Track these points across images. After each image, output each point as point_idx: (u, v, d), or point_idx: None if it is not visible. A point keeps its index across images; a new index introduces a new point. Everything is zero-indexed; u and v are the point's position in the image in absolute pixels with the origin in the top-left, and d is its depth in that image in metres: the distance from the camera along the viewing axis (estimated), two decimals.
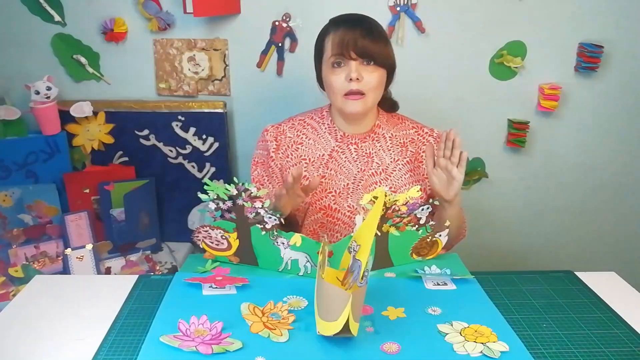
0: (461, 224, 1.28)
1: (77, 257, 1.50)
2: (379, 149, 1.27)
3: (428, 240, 1.12)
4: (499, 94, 1.78)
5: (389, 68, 1.20)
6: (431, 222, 1.10)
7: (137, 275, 1.08)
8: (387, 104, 1.30)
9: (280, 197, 1.11)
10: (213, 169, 1.81)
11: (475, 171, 1.85)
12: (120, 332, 0.89)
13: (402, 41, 1.70)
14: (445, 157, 1.16)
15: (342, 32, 1.15)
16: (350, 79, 1.15)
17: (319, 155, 1.26)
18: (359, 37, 1.13)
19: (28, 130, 1.69)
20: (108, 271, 1.58)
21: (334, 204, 1.23)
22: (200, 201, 1.04)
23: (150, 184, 1.77)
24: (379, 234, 1.07)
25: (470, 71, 1.75)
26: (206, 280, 1.01)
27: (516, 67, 1.73)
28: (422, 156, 1.28)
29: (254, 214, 1.04)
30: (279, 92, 1.77)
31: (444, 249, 1.16)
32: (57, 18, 1.69)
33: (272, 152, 1.28)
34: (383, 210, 1.04)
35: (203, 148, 1.78)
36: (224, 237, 1.08)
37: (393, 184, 1.25)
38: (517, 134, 1.78)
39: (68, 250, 1.51)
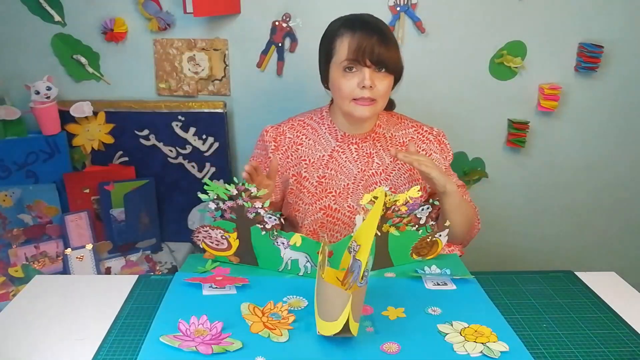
0: (472, 217, 1.25)
1: (77, 257, 1.50)
2: (379, 149, 1.26)
3: (428, 240, 1.12)
4: (499, 94, 1.78)
5: (398, 74, 1.20)
6: (431, 222, 1.10)
7: (137, 275, 1.08)
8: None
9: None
10: (213, 169, 1.81)
11: (475, 171, 1.85)
12: (120, 332, 0.89)
13: (402, 41, 1.70)
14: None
15: (359, 37, 1.13)
16: (364, 86, 1.14)
17: (319, 155, 1.26)
18: (376, 45, 1.12)
19: (28, 130, 1.69)
20: (108, 271, 1.58)
21: (334, 204, 1.23)
22: (200, 201, 1.04)
23: (150, 184, 1.77)
24: (379, 234, 1.07)
25: (470, 71, 1.75)
26: (206, 280, 1.01)
27: (516, 67, 1.73)
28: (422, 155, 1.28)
29: (254, 214, 1.04)
30: (279, 92, 1.77)
31: (460, 245, 1.15)
32: (57, 18, 1.69)
33: (270, 152, 1.27)
34: (383, 210, 1.04)
35: (203, 148, 1.78)
36: (224, 237, 1.08)
37: (393, 184, 1.25)
38: (517, 134, 1.78)
39: (68, 250, 1.51)
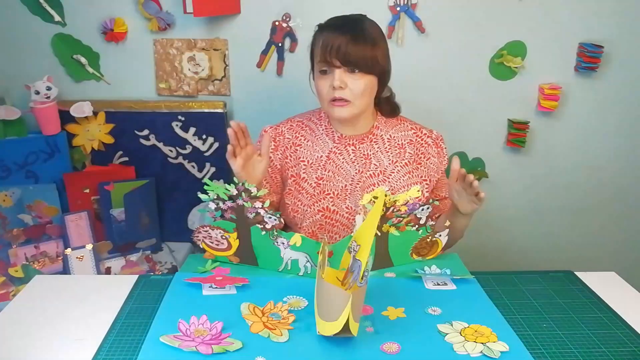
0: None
1: (77, 257, 1.50)
2: (377, 151, 1.26)
3: (428, 240, 1.12)
4: (499, 94, 1.78)
5: (378, 73, 1.18)
6: (431, 222, 1.10)
7: (137, 275, 1.08)
8: (388, 108, 1.29)
9: (234, 166, 1.10)
10: (213, 169, 1.81)
11: (475, 171, 1.85)
12: (120, 332, 0.89)
13: (402, 41, 1.70)
14: (465, 187, 1.12)
15: (326, 38, 1.14)
16: (334, 87, 1.14)
17: (317, 156, 1.26)
18: (344, 44, 1.11)
19: (28, 130, 1.69)
20: (108, 271, 1.58)
21: (332, 205, 1.23)
22: (200, 201, 1.04)
23: (150, 184, 1.77)
24: (379, 234, 1.07)
25: (470, 71, 1.75)
26: (206, 280, 1.01)
27: (516, 67, 1.73)
28: (421, 157, 1.28)
29: (254, 214, 1.04)
30: (279, 92, 1.77)
31: (441, 249, 1.16)
32: (57, 18, 1.69)
33: (270, 153, 1.27)
34: (383, 210, 1.04)
35: (203, 148, 1.78)
36: (224, 237, 1.08)
37: (391, 186, 1.24)
38: (517, 134, 1.78)
39: (68, 250, 1.51)
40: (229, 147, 1.09)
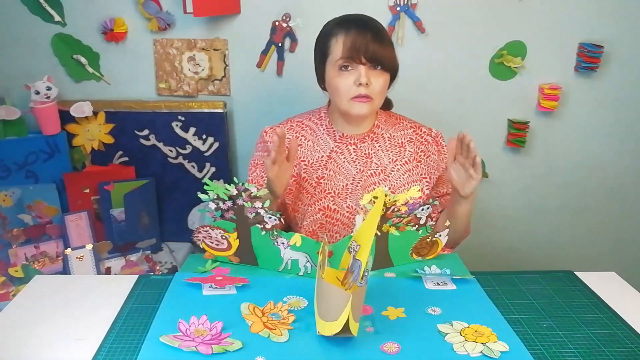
0: (469, 221, 1.26)
1: (77, 257, 1.50)
2: (378, 150, 1.26)
3: (428, 240, 1.12)
4: (499, 94, 1.78)
5: (393, 72, 1.20)
6: (431, 222, 1.10)
7: (137, 275, 1.08)
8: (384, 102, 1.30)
9: (271, 173, 1.09)
10: (213, 169, 1.81)
11: None
12: (120, 332, 0.89)
13: (402, 41, 1.71)
14: (462, 158, 1.12)
15: (353, 35, 1.14)
16: (360, 84, 1.14)
17: (318, 156, 1.26)
18: (370, 42, 1.13)
19: (28, 130, 1.69)
20: (108, 271, 1.58)
21: (333, 204, 1.23)
22: (200, 201, 1.04)
23: (150, 184, 1.77)
24: (379, 234, 1.07)
25: (470, 71, 1.75)
26: (206, 280, 1.01)
27: (516, 67, 1.73)
28: (420, 155, 1.28)
29: (254, 214, 1.04)
30: (279, 92, 1.77)
31: (450, 248, 1.15)
32: (57, 18, 1.69)
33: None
34: (383, 210, 1.04)
35: (203, 148, 1.78)
36: (224, 237, 1.08)
37: (392, 185, 1.24)
38: (517, 134, 1.78)
39: (68, 250, 1.51)
40: (273, 154, 1.06)
